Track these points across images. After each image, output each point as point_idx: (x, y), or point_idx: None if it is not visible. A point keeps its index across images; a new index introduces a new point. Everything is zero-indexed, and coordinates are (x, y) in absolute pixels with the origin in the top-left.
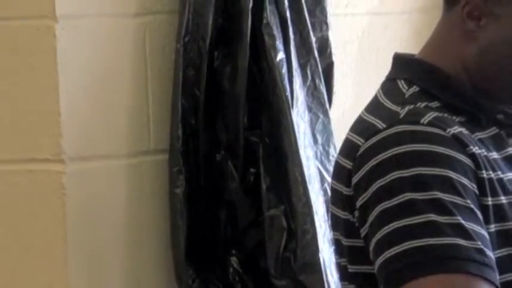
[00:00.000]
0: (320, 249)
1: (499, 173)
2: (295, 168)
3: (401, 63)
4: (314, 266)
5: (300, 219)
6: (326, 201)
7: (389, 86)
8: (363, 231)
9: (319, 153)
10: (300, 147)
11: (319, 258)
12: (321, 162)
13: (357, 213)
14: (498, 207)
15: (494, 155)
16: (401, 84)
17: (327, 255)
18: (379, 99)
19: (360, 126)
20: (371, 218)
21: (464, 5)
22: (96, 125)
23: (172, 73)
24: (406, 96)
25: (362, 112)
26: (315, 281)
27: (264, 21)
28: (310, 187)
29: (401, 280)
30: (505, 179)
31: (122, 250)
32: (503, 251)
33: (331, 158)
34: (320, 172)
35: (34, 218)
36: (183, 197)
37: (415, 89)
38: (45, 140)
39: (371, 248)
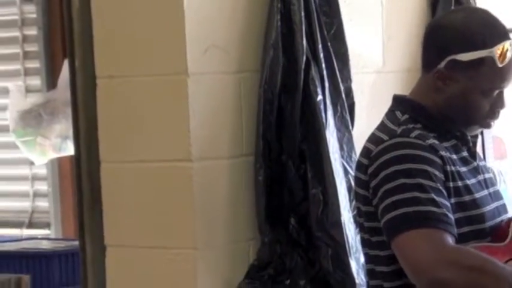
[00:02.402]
0: (342, 214)
1: (457, 167)
2: (327, 165)
3: (398, 100)
4: (338, 224)
5: (330, 196)
6: (348, 187)
7: (390, 114)
8: (374, 202)
9: (345, 156)
10: (330, 153)
11: (341, 220)
12: (346, 161)
13: (370, 191)
14: (456, 188)
15: (454, 156)
16: (398, 113)
17: (346, 218)
18: (384, 122)
19: (373, 138)
20: (379, 194)
21: (436, 72)
22: (212, 137)
23: (257, 108)
24: (401, 120)
25: (374, 130)
26: (339, 233)
27: (310, 76)
28: (336, 177)
29: (397, 232)
30: (461, 171)
31: (228, 215)
32: (459, 214)
33: (353, 159)
34: (345, 167)
35: (172, 200)
36: (263, 182)
37: (406, 116)
38: (180, 147)
39: (379, 212)
